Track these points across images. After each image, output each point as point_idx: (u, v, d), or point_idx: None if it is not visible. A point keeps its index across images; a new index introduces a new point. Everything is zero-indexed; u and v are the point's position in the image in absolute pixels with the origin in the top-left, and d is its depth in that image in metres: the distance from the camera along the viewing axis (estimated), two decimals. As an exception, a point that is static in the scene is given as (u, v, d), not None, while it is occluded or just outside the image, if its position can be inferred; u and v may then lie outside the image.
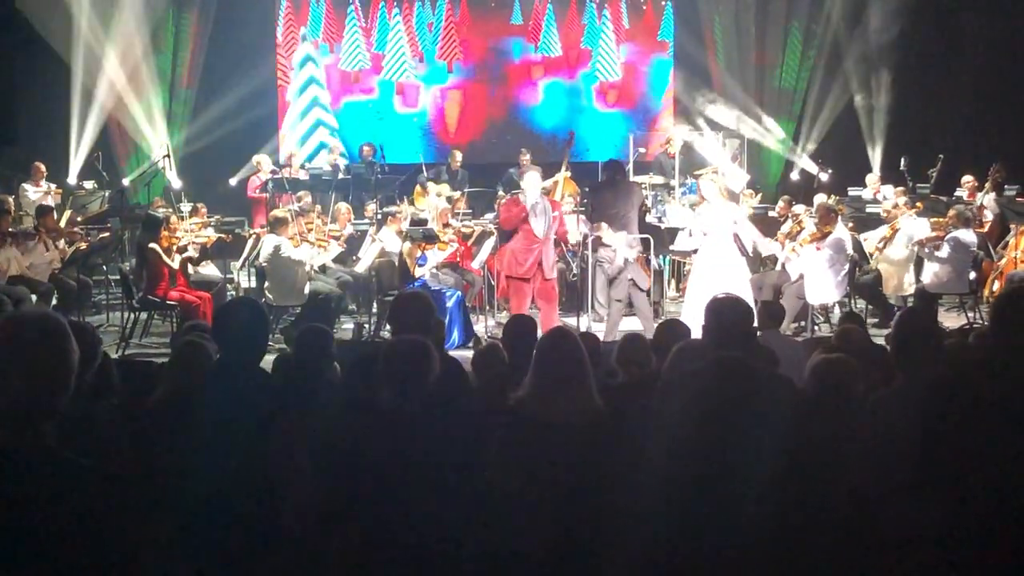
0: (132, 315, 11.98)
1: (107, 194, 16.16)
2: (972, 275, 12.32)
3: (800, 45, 19.94)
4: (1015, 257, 13.19)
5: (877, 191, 15.50)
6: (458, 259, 13.21)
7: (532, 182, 11.49)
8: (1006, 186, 14.79)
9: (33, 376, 2.87)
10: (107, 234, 14.01)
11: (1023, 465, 3.78)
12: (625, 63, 21.77)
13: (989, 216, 14.40)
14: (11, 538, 2.73)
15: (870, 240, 13.09)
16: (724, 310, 4.57)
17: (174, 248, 11.94)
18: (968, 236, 12.02)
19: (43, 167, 15.98)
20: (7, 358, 2.87)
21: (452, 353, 7.40)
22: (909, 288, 12.56)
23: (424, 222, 12.88)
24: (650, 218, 13.66)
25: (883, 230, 13.03)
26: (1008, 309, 4.02)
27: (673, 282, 15.15)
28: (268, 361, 5.03)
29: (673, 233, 12.84)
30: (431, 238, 12.22)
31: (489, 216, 14.58)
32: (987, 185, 14.83)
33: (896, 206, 13.06)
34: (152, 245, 11.69)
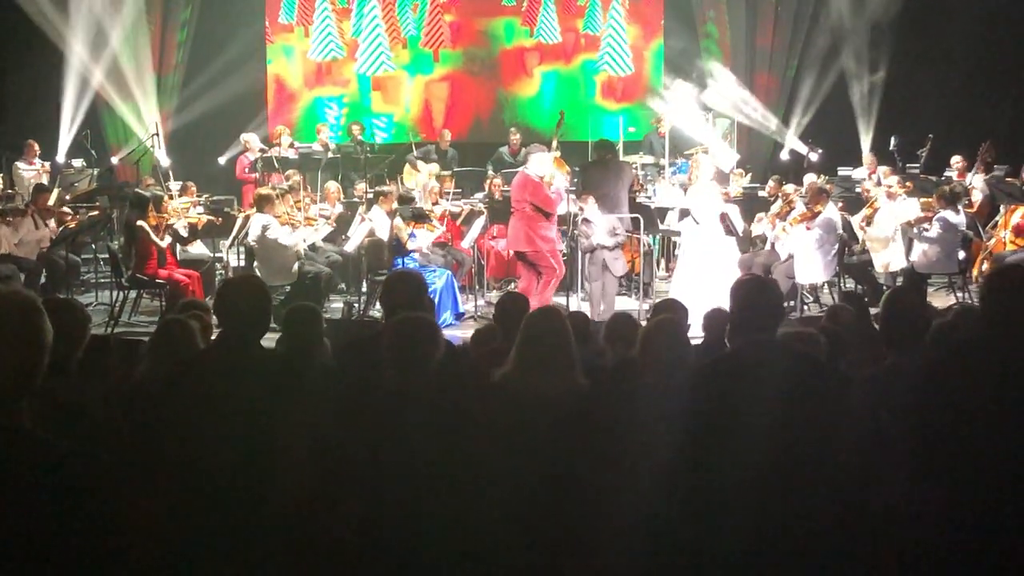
0: (121, 294, 11.96)
1: (96, 172, 16.11)
2: (961, 255, 12.34)
3: (791, 24, 19.88)
4: (1003, 237, 13.21)
5: (872, 171, 15.49)
6: (448, 239, 13.22)
7: (541, 162, 11.77)
8: (996, 166, 14.79)
9: (3, 356, 2.83)
10: (96, 212, 13.97)
11: (1013, 445, 3.79)
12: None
13: (978, 196, 14.40)
14: None
15: (854, 220, 13.11)
16: (753, 292, 4.47)
17: (162, 227, 11.92)
18: (956, 216, 12.03)
19: (36, 145, 15.94)
20: None
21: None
22: (896, 266, 12.57)
23: (412, 200, 12.87)
24: (640, 197, 13.67)
25: (864, 210, 13.05)
26: (996, 288, 4.02)
27: (663, 262, 15.16)
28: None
29: (663, 212, 12.88)
30: (421, 217, 12.21)
31: (479, 196, 14.57)
32: (976, 165, 14.83)
33: (887, 186, 13.01)
34: (140, 223, 11.67)
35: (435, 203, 13.15)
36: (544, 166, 11.66)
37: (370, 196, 13.69)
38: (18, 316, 2.88)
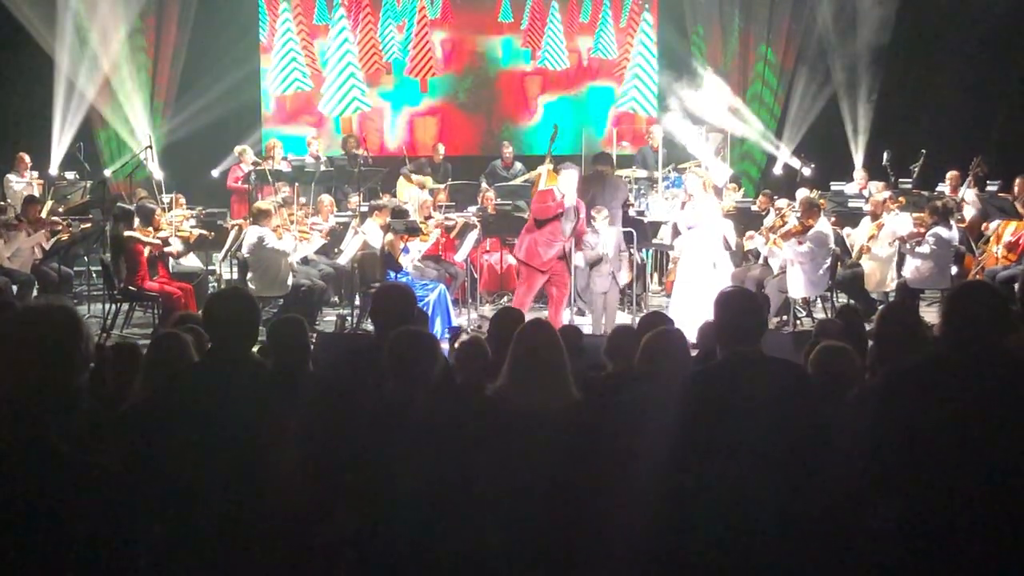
0: (113, 306, 11.94)
1: (88, 185, 16.08)
2: (954, 270, 12.36)
3: (783, 41, 19.93)
4: (995, 252, 13.22)
5: (864, 186, 15.51)
6: (440, 252, 13.21)
7: (570, 180, 11.57)
8: (988, 181, 14.80)
9: (45, 369, 2.81)
10: (88, 225, 13.95)
11: (970, 463, 3.80)
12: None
13: (971, 211, 14.41)
14: (12, 535, 2.69)
15: (854, 236, 13.11)
16: (737, 304, 4.52)
17: (152, 238, 11.89)
18: (949, 231, 12.04)
19: (27, 158, 15.92)
20: (19, 350, 2.82)
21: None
22: (891, 284, 12.59)
23: (405, 213, 12.87)
24: (632, 211, 13.69)
25: (869, 227, 13.03)
26: (955, 307, 4.03)
27: (656, 275, 15.16)
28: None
29: (656, 226, 12.90)
30: (414, 230, 12.21)
31: (472, 209, 14.57)
32: (968, 179, 14.84)
33: (883, 203, 13.02)
34: (128, 233, 11.66)
35: (428, 217, 13.14)
36: (570, 184, 11.64)
37: (363, 209, 13.69)
38: (58, 329, 2.85)
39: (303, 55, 19.05)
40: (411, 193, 15.10)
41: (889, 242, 12.52)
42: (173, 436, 4.13)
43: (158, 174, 16.02)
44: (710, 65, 19.14)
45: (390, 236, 12.05)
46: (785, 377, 4.49)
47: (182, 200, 14.76)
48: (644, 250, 13.67)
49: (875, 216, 13.05)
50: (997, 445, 3.78)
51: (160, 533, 3.91)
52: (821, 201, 13.20)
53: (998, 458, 3.77)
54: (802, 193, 14.29)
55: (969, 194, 14.52)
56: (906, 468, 3.89)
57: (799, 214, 12.28)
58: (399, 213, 12.71)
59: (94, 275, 13.77)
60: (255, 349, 4.72)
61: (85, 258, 14.14)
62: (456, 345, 7.07)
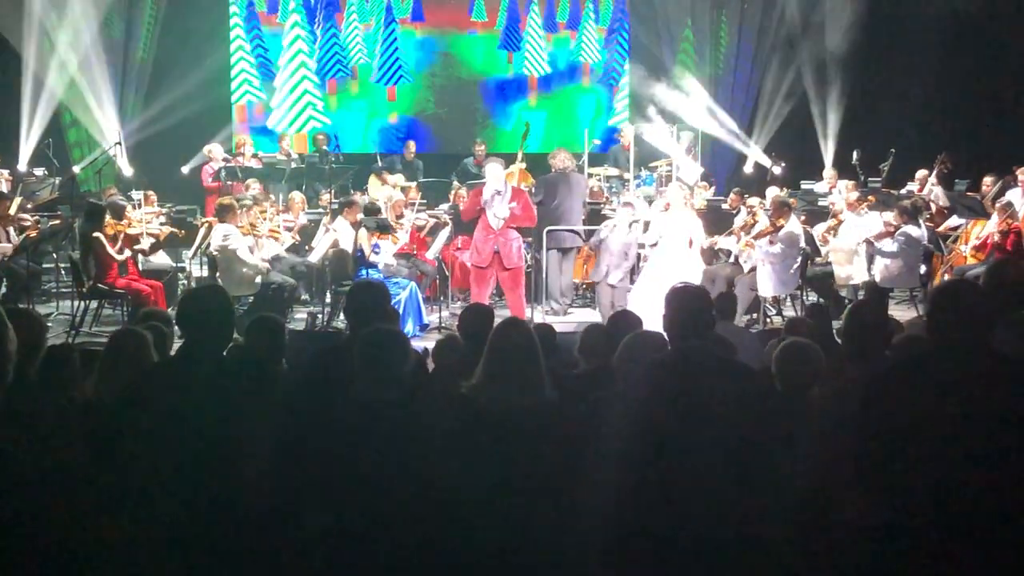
0: (82, 304, 11.87)
1: (57, 181, 15.98)
2: (922, 269, 12.44)
3: (754, 40, 20.02)
4: (963, 252, 13.31)
5: (833, 185, 15.59)
6: (413, 250, 13.19)
7: (494, 173, 11.53)
8: (956, 180, 14.89)
9: None
10: (58, 221, 13.86)
11: (956, 460, 3.82)
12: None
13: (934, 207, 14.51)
14: None
15: (818, 231, 13.18)
16: (684, 299, 4.59)
17: (121, 238, 11.82)
18: (918, 230, 12.11)
19: (-5, 154, 15.85)
20: None
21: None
22: (858, 279, 12.64)
23: (378, 211, 12.84)
24: (605, 209, 13.73)
25: (828, 221, 13.12)
26: (940, 304, 4.05)
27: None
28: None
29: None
30: (385, 228, 12.18)
31: (444, 206, 14.56)
32: (933, 176, 14.93)
33: (855, 202, 13.08)
34: (96, 235, 11.57)
35: (400, 215, 13.12)
36: (493, 176, 11.64)
37: (335, 207, 13.66)
38: None
39: (256, 61, 18.69)
40: (383, 191, 15.08)
41: (857, 242, 12.57)
42: (143, 433, 4.11)
43: (127, 171, 15.97)
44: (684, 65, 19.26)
45: (362, 233, 12.02)
46: (731, 373, 4.58)
47: (153, 197, 14.69)
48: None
49: (835, 211, 13.13)
50: (983, 441, 3.80)
51: (129, 530, 3.89)
52: (792, 200, 13.25)
53: (984, 454, 3.79)
54: (772, 192, 14.35)
55: (937, 191, 14.62)
56: (893, 465, 3.90)
57: (770, 214, 12.32)
58: (370, 211, 12.68)
59: (63, 272, 13.67)
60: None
61: (54, 255, 14.04)
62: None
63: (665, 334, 4.73)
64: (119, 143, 15.50)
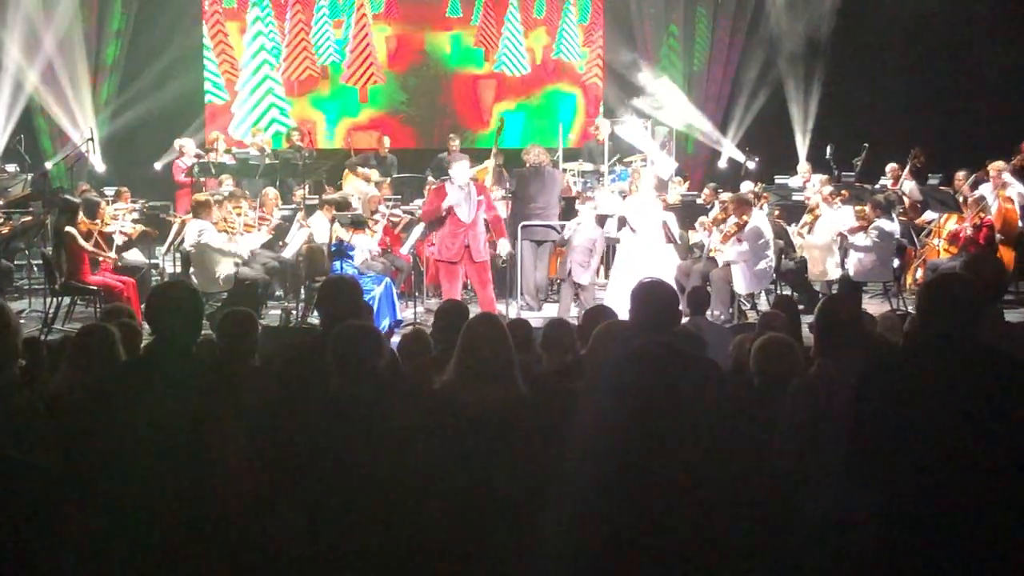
0: (55, 300, 11.80)
1: (29, 177, 15.88)
2: (896, 263, 12.49)
3: (728, 35, 20.04)
4: (937, 245, 13.39)
5: (807, 180, 15.63)
6: (387, 246, 13.17)
7: (460, 169, 11.51)
8: (929, 175, 14.96)
9: None
10: (30, 218, 13.78)
11: (946, 453, 3.83)
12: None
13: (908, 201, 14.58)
14: None
15: (795, 228, 13.23)
16: (649, 295, 4.60)
17: (94, 234, 11.76)
18: (891, 224, 12.16)
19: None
20: None
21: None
22: (833, 273, 12.69)
23: (350, 207, 12.82)
24: (579, 204, 13.73)
25: (804, 216, 13.17)
26: (931, 297, 4.07)
27: (601, 268, 15.20)
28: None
29: (602, 219, 12.94)
30: (359, 224, 12.16)
31: (418, 202, 14.54)
32: (906, 170, 14.99)
33: (829, 196, 13.11)
34: (68, 229, 11.51)
35: (374, 211, 13.08)
36: (460, 172, 11.60)
37: (309, 202, 13.60)
38: None
39: (217, 60, 18.43)
40: (357, 186, 15.03)
41: (831, 237, 12.61)
42: (113, 430, 4.09)
43: (100, 167, 15.87)
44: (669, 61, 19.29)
45: (337, 228, 12.00)
46: (697, 366, 4.61)
47: (127, 194, 14.60)
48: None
49: (811, 205, 13.18)
50: (971, 433, 3.81)
51: (97, 529, 3.87)
52: (750, 194, 13.23)
53: (973, 447, 3.81)
54: (747, 187, 14.39)
55: (908, 186, 14.68)
56: (884, 459, 3.91)
57: (733, 212, 12.31)
58: (343, 206, 12.65)
59: (35, 268, 13.59)
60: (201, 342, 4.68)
61: (26, 251, 13.95)
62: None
63: (632, 329, 4.73)
64: (91, 139, 15.39)
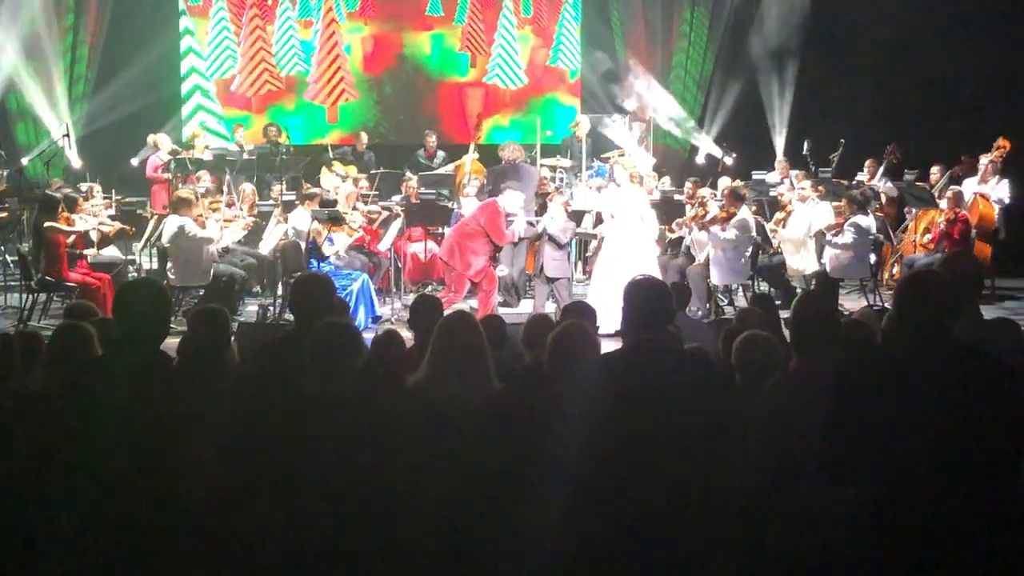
0: (30, 297, 11.74)
1: (5, 173, 15.80)
2: (872, 259, 12.53)
3: (706, 30, 20.04)
4: (914, 241, 13.43)
5: (784, 175, 15.66)
6: (365, 242, 13.16)
7: (513, 200, 11.86)
8: (906, 171, 15.00)
9: None
10: (5, 214, 13.71)
11: (923, 449, 3.84)
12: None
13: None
14: None
15: (771, 224, 13.26)
16: (643, 293, 4.58)
17: (71, 229, 11.72)
18: (867, 220, 12.19)
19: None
20: None
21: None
22: (809, 269, 12.72)
23: (333, 203, 12.80)
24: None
25: (778, 213, 13.22)
26: (909, 294, 4.08)
27: (580, 264, 15.21)
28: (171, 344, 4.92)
29: (580, 215, 12.96)
30: (337, 220, 12.14)
31: (396, 198, 14.52)
32: (882, 167, 15.03)
33: (801, 188, 13.13)
34: (49, 223, 11.47)
35: (353, 207, 13.07)
36: (514, 205, 11.80)
37: (286, 198, 13.57)
38: None
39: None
40: (334, 182, 15.00)
41: (808, 233, 12.64)
42: (82, 427, 4.07)
43: (76, 162, 15.79)
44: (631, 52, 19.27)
45: (315, 225, 11.98)
46: (692, 362, 4.61)
47: (97, 189, 14.48)
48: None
49: (784, 201, 13.22)
50: (949, 431, 3.83)
51: (70, 525, 3.85)
52: (744, 190, 13.28)
53: (950, 443, 3.82)
54: (724, 182, 14.41)
55: (883, 182, 14.73)
56: (863, 455, 3.92)
57: (723, 203, 12.36)
58: (326, 203, 12.64)
59: (11, 265, 13.53)
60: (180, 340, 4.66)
61: (2, 247, 13.88)
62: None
63: (623, 327, 4.70)
64: (67, 135, 15.31)
